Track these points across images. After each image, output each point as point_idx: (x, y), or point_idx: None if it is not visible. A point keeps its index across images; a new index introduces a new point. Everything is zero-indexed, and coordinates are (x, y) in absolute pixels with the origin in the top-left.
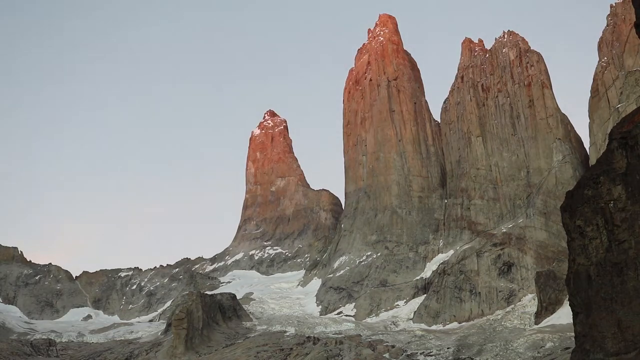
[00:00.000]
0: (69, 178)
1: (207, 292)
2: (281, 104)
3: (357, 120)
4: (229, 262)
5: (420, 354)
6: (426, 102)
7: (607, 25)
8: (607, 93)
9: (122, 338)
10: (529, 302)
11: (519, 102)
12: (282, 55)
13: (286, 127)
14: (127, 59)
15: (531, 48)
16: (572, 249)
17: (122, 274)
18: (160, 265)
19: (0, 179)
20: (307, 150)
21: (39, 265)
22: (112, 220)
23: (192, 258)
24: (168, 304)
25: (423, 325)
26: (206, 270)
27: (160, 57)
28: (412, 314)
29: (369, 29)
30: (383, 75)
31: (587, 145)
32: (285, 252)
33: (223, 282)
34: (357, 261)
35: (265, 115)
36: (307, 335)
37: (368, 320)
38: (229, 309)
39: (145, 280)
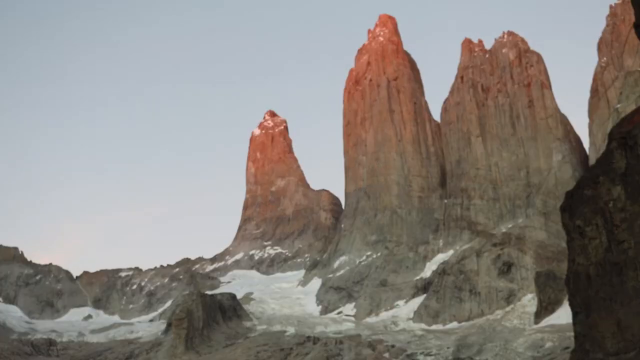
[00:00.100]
0: (69, 178)
1: (207, 292)
2: (281, 104)
3: (357, 120)
4: (229, 262)
5: (420, 353)
6: (426, 102)
7: (607, 26)
8: (607, 93)
9: (123, 338)
10: (529, 302)
11: (518, 102)
12: (282, 55)
13: (286, 127)
14: (127, 59)
15: (531, 48)
16: (572, 249)
17: (123, 274)
18: (161, 265)
19: (0, 179)
20: (307, 150)
21: (39, 265)
22: (113, 220)
23: (193, 258)
24: (168, 303)
25: (423, 325)
26: (206, 270)
27: (160, 57)
28: (412, 314)
29: (369, 29)
30: (383, 76)
31: (586, 145)
32: (285, 252)
33: (223, 282)
34: (357, 261)
35: (265, 115)
36: (307, 335)
37: (368, 320)
38: (229, 309)
39: (146, 280)
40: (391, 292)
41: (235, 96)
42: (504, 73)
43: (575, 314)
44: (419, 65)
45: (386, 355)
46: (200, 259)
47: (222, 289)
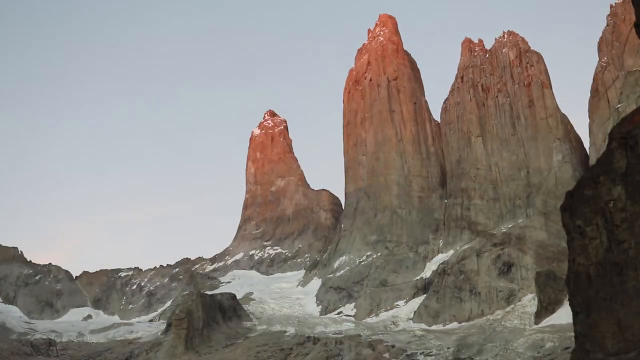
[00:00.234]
0: (69, 178)
1: (207, 292)
2: (281, 104)
3: (357, 120)
4: (229, 262)
5: (420, 354)
6: (426, 102)
7: (607, 25)
8: (607, 93)
9: (122, 338)
10: (529, 302)
11: (518, 102)
12: (282, 55)
13: (286, 127)
14: (127, 58)
15: (531, 48)
16: (572, 249)
17: (122, 274)
18: (160, 265)
19: (0, 179)
20: (307, 150)
21: (39, 265)
22: (112, 220)
23: (192, 258)
24: (168, 303)
25: (423, 325)
26: (206, 270)
27: (160, 57)
28: (412, 314)
29: (369, 29)
30: (383, 75)
31: (587, 145)
32: (285, 252)
33: (223, 282)
34: (357, 261)
35: (265, 115)
36: (307, 335)
37: (368, 320)
38: (229, 309)
39: (146, 280)
40: (391, 292)
41: (235, 96)
42: (504, 73)
43: (575, 314)
44: (419, 65)
45: (386, 355)
46: (200, 259)
47: (222, 289)
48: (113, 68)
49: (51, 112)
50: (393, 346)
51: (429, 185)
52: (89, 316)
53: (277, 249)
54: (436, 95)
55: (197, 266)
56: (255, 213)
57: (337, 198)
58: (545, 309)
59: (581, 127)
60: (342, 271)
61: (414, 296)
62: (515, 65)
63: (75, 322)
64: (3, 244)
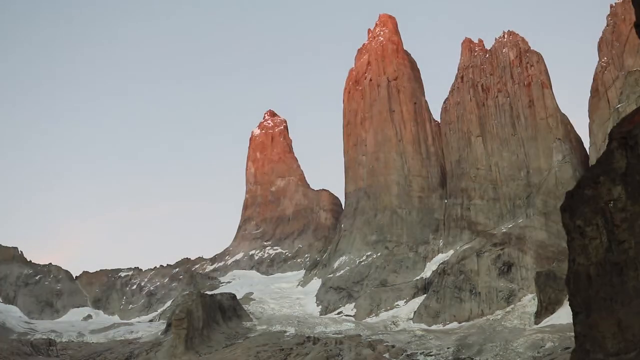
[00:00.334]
0: (69, 178)
1: (207, 292)
2: (281, 104)
3: (357, 120)
4: (229, 262)
5: (420, 354)
6: (426, 102)
7: (607, 25)
8: (607, 93)
9: (122, 338)
10: (529, 302)
11: (518, 102)
12: (282, 55)
13: (286, 127)
14: (127, 58)
15: (531, 48)
16: (572, 249)
17: (122, 274)
18: (161, 265)
19: (0, 179)
20: (307, 150)
21: (39, 265)
22: (112, 220)
23: (192, 258)
24: (168, 304)
25: (423, 325)
26: (206, 270)
27: (160, 57)
28: (412, 314)
29: (369, 29)
30: (383, 75)
31: (587, 145)
32: (285, 252)
33: (223, 282)
34: (357, 261)
35: (265, 115)
36: (307, 335)
37: (368, 320)
38: (229, 309)
39: (146, 280)
40: (391, 292)
41: (235, 96)
42: (504, 73)
43: (575, 314)
44: (419, 65)
45: (386, 355)
46: (200, 259)
47: (222, 289)
48: (113, 68)
49: (51, 111)
50: (393, 346)
51: (429, 185)
52: (89, 316)
53: (277, 249)
54: (436, 95)
55: (197, 266)
56: (255, 213)
57: (337, 198)
58: (545, 309)
59: (581, 127)
60: (342, 271)
61: (414, 296)
62: (515, 65)
63: (75, 322)
64: (3, 244)
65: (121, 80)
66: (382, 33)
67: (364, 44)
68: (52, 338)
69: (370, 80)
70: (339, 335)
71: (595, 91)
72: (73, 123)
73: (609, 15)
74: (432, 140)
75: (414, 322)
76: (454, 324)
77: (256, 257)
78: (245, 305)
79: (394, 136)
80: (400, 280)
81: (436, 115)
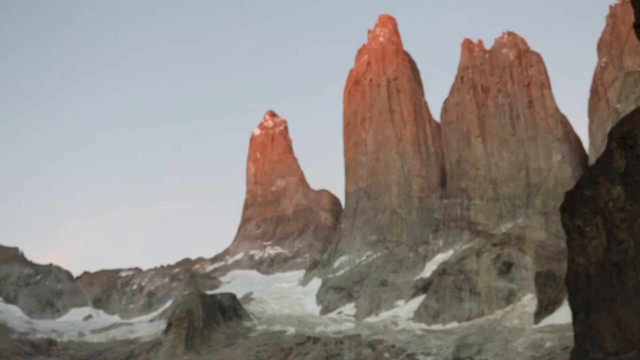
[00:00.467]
0: (70, 178)
1: (207, 292)
2: (281, 104)
3: (357, 121)
4: (229, 262)
5: (420, 353)
6: (426, 102)
7: (607, 26)
8: (607, 93)
9: (123, 338)
10: (529, 301)
11: (518, 103)
12: (282, 55)
13: (286, 127)
14: (128, 58)
15: (531, 48)
16: (572, 249)
17: (123, 274)
18: (161, 265)
19: (0, 179)
20: (307, 150)
21: (39, 265)
22: (113, 220)
23: (193, 258)
24: (168, 303)
25: (423, 325)
26: (206, 270)
27: (160, 57)
28: (412, 314)
29: (369, 30)
30: (383, 76)
31: (586, 145)
32: (286, 252)
33: (223, 282)
34: (357, 261)
35: (266, 115)
36: (307, 335)
37: (368, 320)
38: (229, 309)
39: (146, 280)
40: (391, 292)
41: (235, 96)
42: (503, 73)
43: (575, 314)
44: (419, 65)
45: (386, 355)
46: (200, 259)
47: (222, 289)
48: (113, 68)
49: (51, 111)
50: (393, 346)
51: (429, 185)
52: (90, 316)
53: (277, 249)
54: (436, 95)
55: (197, 266)
56: (255, 213)
57: (337, 198)
58: (545, 308)
59: (581, 127)
60: (342, 271)
61: (414, 296)
62: (514, 66)
63: (76, 321)
64: (3, 244)
65: (121, 80)
66: (382, 33)
67: (364, 45)
68: (53, 338)
69: (370, 80)
70: (339, 335)
71: (594, 91)
72: (73, 123)
73: (608, 16)
74: (432, 140)
75: (414, 322)
76: (454, 324)
77: (256, 257)
78: (246, 305)
79: (394, 136)
80: (400, 280)
81: (436, 116)
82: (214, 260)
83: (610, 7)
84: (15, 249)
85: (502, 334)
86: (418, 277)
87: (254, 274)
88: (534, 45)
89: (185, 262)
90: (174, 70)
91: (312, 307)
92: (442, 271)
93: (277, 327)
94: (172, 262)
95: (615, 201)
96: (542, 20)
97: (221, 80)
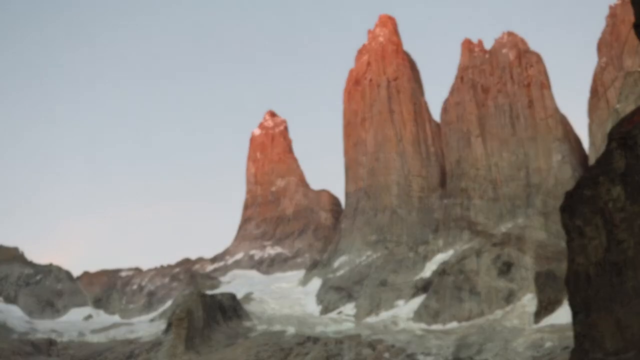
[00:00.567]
0: (70, 178)
1: (207, 292)
2: (281, 104)
3: (357, 121)
4: (229, 262)
5: (420, 353)
6: (426, 102)
7: (607, 26)
8: (607, 93)
9: (123, 338)
10: (529, 301)
11: (518, 103)
12: (283, 55)
13: (286, 127)
14: (128, 58)
15: (531, 48)
16: (572, 249)
17: (123, 274)
18: (161, 265)
19: (1, 179)
20: (307, 150)
21: (39, 265)
22: (113, 220)
23: (193, 258)
24: (168, 303)
25: (423, 325)
26: (206, 270)
27: (160, 57)
28: (412, 314)
29: (369, 30)
30: (383, 76)
31: (586, 145)
32: (286, 252)
33: (223, 282)
34: (357, 261)
35: (265, 115)
36: (307, 335)
37: (368, 320)
38: (229, 309)
39: (146, 280)
40: (391, 292)
41: (235, 96)
42: (503, 73)
43: (575, 314)
44: (419, 65)
45: (386, 355)
46: (200, 259)
47: (222, 289)
48: (113, 67)
49: (51, 111)
50: (393, 346)
51: (429, 185)
52: (90, 316)
53: (277, 249)
54: (436, 95)
55: (197, 266)
56: (255, 213)
57: (337, 198)
58: (545, 308)
59: (580, 127)
60: (342, 271)
61: (413, 296)
62: (514, 66)
63: (76, 321)
64: (3, 244)
65: (121, 80)
66: (382, 33)
67: (364, 45)
68: (53, 338)
69: (370, 80)
70: (339, 335)
71: (594, 92)
72: (73, 122)
73: (608, 16)
74: (432, 140)
75: (414, 322)
76: (454, 324)
77: (256, 257)
78: (246, 305)
79: (394, 136)
80: (400, 280)
81: (436, 116)
82: (214, 260)
83: (610, 7)
84: (15, 249)
85: (502, 334)
86: (418, 277)
87: (254, 274)
88: (534, 45)
89: (185, 262)
90: (174, 70)
91: (312, 307)
92: (442, 271)
93: (277, 327)
94: (172, 262)
95: (615, 201)
96: (542, 20)
97: (221, 80)
